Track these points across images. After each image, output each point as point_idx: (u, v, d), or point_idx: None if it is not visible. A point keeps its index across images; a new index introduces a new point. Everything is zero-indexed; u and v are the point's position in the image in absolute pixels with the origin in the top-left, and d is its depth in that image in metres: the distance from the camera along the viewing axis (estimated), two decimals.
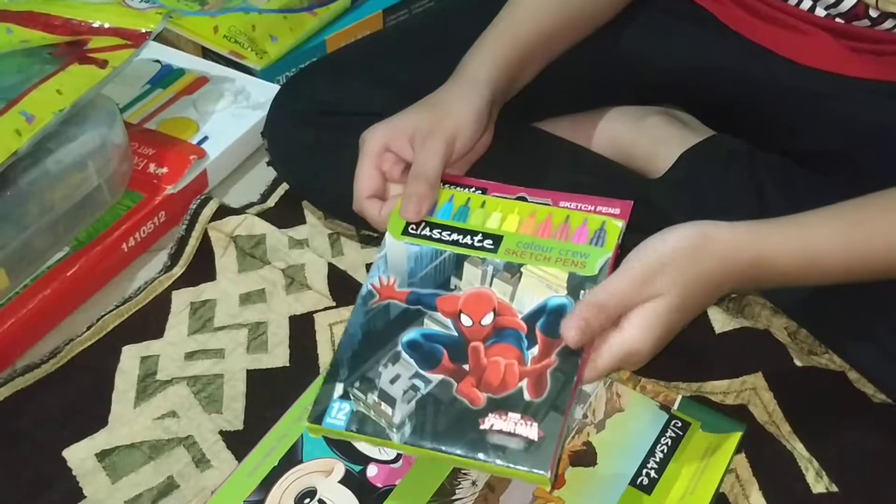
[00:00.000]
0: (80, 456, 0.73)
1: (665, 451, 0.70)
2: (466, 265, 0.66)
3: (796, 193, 0.79)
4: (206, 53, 1.14)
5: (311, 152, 0.87)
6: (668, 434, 0.71)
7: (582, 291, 0.63)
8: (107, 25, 0.90)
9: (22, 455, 0.73)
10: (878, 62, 0.80)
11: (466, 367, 0.62)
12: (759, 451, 0.74)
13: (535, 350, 0.62)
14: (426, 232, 0.68)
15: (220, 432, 0.75)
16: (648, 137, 0.88)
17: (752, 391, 0.80)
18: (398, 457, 0.69)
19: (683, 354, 0.81)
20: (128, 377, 0.79)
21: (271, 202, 0.97)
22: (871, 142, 0.81)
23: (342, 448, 0.69)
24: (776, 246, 0.63)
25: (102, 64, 0.85)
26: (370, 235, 0.92)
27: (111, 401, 0.77)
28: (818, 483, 0.73)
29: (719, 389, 0.80)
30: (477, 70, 0.74)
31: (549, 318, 0.63)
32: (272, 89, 1.01)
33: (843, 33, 0.79)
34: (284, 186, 0.98)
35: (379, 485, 0.68)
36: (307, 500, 0.67)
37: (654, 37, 0.86)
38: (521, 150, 0.85)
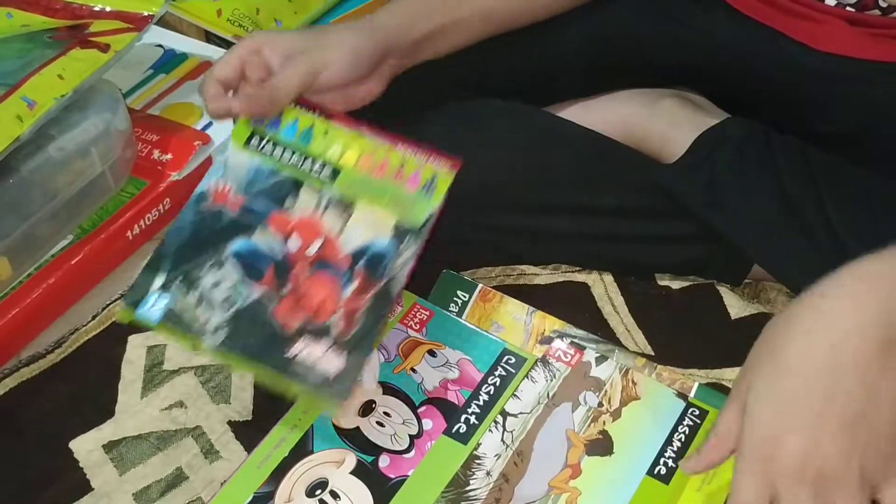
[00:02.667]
0: (86, 447, 0.72)
1: (683, 439, 0.69)
2: (304, 189, 0.68)
3: (813, 175, 0.78)
4: (210, 37, 1.12)
5: None
6: (685, 422, 0.70)
7: (406, 239, 0.67)
8: (108, 9, 0.89)
9: (28, 447, 0.72)
10: None
11: (287, 288, 0.64)
12: None
13: (353, 287, 0.65)
14: (269, 148, 0.69)
15: (229, 423, 0.74)
16: (662, 121, 0.87)
17: None
18: (410, 447, 0.68)
19: (699, 341, 0.81)
20: (134, 367, 0.78)
21: None
22: (889, 123, 0.80)
23: (353, 439, 0.68)
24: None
25: (104, 48, 0.84)
26: None
27: (118, 391, 0.76)
28: None
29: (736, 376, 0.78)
30: (377, 15, 0.76)
31: (370, 259, 0.66)
32: None
33: (856, 21, 0.78)
34: None
35: (391, 475, 0.67)
36: (318, 492, 0.65)
37: (667, 20, 0.85)
38: None
